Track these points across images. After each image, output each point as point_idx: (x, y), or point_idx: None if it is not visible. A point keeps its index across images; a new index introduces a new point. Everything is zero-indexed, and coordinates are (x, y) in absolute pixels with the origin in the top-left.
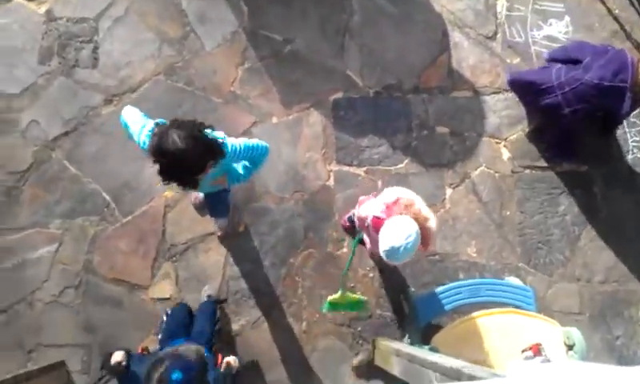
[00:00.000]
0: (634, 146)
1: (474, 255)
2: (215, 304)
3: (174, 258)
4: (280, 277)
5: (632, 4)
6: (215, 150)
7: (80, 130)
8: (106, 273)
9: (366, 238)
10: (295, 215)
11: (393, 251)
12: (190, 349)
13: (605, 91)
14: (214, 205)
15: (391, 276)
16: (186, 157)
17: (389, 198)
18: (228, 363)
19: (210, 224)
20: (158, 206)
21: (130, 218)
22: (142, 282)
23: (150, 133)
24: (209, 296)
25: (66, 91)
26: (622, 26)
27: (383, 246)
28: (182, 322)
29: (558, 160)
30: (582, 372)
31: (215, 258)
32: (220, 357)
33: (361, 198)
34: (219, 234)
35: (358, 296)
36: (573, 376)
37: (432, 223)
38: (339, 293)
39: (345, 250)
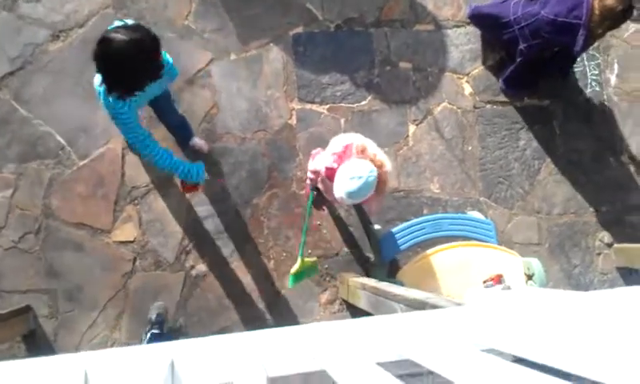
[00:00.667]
0: (592, 80)
1: (437, 191)
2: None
3: (136, 201)
4: (245, 217)
5: None
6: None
7: (27, 69)
8: (67, 217)
9: (321, 187)
10: (258, 155)
11: (353, 181)
12: None
13: (559, 27)
14: (168, 108)
15: (356, 214)
16: (139, 39)
17: (337, 148)
18: None
19: None
20: (115, 149)
21: (86, 161)
22: (104, 225)
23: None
24: (157, 315)
25: (9, 27)
26: None
27: (343, 179)
28: None
29: (519, 94)
30: (539, 297)
31: (177, 200)
32: None
33: (313, 151)
34: (205, 149)
35: (312, 259)
36: (530, 300)
37: (388, 168)
38: (299, 262)
39: None
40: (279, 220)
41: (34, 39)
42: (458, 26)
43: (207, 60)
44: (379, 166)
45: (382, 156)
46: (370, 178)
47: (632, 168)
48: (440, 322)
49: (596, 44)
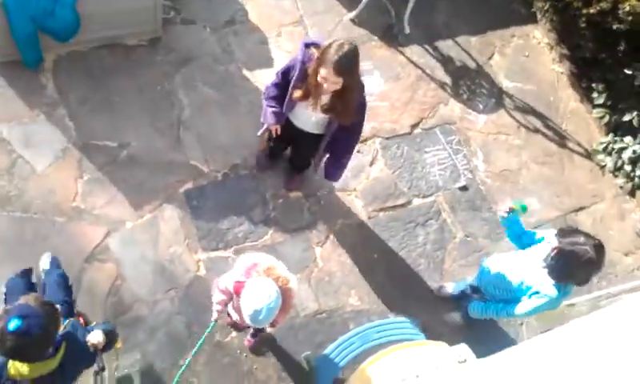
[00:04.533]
0: (464, 169)
1: (357, 303)
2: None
3: None
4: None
5: (427, 51)
6: None
7: None
8: None
9: (231, 311)
10: (173, 314)
11: (256, 313)
12: (28, 297)
13: None
14: None
15: (285, 345)
16: None
17: (246, 262)
18: (92, 344)
19: None
20: None
21: None
22: None
23: None
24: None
25: None
26: (423, 71)
27: (246, 309)
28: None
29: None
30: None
31: None
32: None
33: (215, 280)
34: None
35: None
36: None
37: (293, 284)
38: None
39: (233, 333)
40: (209, 375)
41: None
42: None
43: (103, 234)
44: (285, 282)
45: (287, 274)
46: (270, 305)
47: None
48: None
49: (457, 138)
